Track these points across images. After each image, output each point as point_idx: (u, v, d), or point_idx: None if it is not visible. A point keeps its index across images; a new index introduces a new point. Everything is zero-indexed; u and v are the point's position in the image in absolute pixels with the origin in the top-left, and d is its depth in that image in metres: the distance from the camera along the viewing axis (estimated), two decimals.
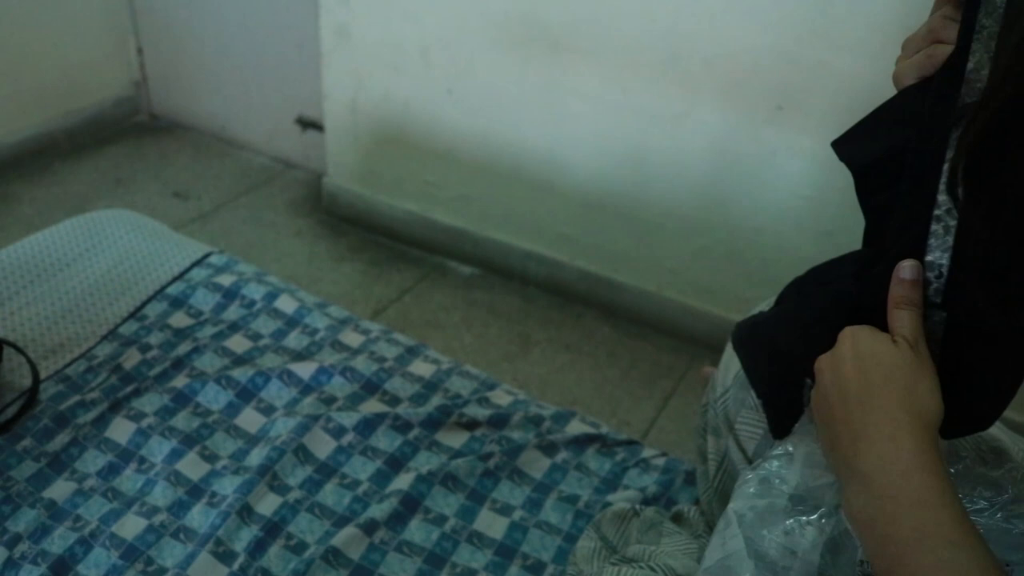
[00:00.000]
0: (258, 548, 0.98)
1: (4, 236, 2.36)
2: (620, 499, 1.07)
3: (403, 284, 2.43)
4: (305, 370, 1.21)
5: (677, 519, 1.01)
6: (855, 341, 0.66)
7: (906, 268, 0.67)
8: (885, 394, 0.62)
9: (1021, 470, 0.82)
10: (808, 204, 1.95)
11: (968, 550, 0.55)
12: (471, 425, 1.17)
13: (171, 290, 1.36)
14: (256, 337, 1.29)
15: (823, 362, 0.68)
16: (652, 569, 0.88)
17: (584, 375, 2.14)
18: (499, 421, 1.18)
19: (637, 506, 1.04)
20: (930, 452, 0.59)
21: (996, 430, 0.90)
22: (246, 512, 1.01)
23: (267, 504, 1.02)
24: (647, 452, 1.17)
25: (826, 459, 0.69)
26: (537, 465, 1.13)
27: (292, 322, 1.32)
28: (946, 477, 0.59)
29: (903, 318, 0.66)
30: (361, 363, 1.24)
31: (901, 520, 0.57)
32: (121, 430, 1.12)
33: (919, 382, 0.63)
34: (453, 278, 2.46)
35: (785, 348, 0.79)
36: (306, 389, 1.20)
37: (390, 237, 2.59)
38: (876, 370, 0.64)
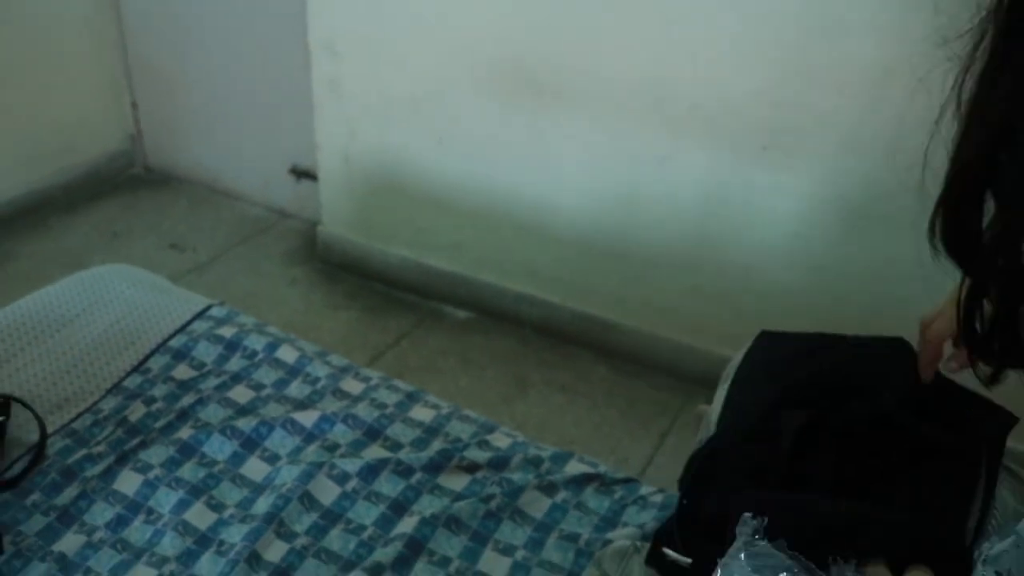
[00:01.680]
0: None
1: (2, 292, 2.38)
2: (620, 536, 1.09)
3: (399, 330, 2.46)
4: (308, 418, 1.23)
5: None
6: None
7: None
8: None
9: None
10: (796, 241, 1.99)
11: None
12: (472, 468, 1.19)
13: (173, 343, 1.38)
14: (259, 387, 1.31)
15: None
16: None
17: (581, 415, 2.16)
18: (499, 463, 1.20)
19: (638, 543, 1.06)
20: None
21: None
22: (254, 559, 1.03)
23: (274, 551, 1.04)
24: (645, 489, 1.20)
25: None
26: (537, 505, 1.15)
27: (293, 371, 1.34)
28: None
29: None
30: (362, 410, 1.26)
31: None
32: (128, 482, 1.14)
33: None
34: (448, 322, 2.49)
35: None
36: (309, 437, 1.22)
37: (385, 283, 2.62)
38: None
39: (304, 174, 2.87)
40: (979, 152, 0.55)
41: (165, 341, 1.39)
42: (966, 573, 0.73)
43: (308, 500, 1.11)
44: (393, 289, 2.61)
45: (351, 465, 1.16)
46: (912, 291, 1.65)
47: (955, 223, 0.58)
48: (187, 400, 1.27)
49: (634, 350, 2.31)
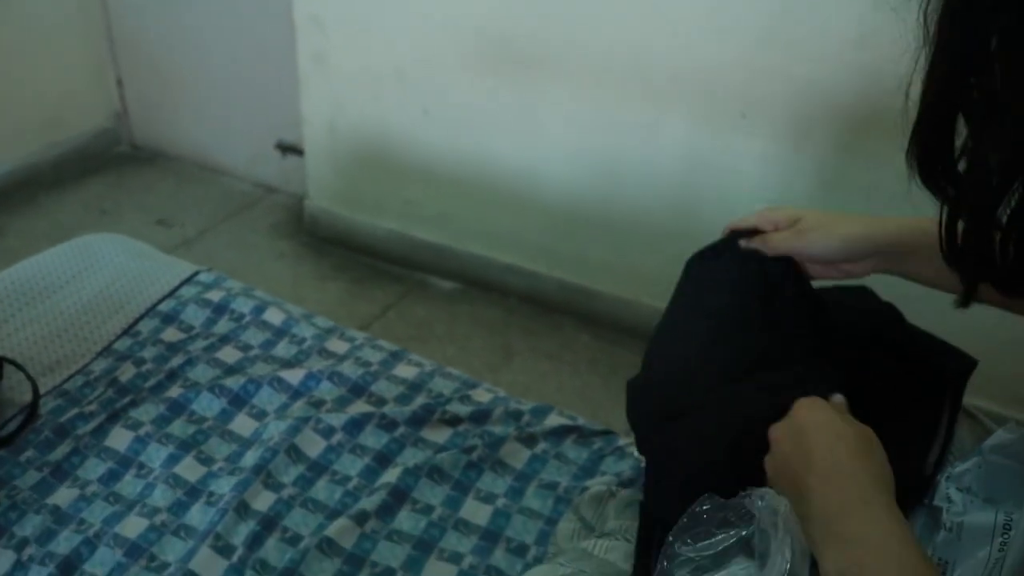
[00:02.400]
0: (255, 541, 1.03)
1: None
2: (598, 484, 1.13)
3: (386, 301, 2.49)
4: (294, 376, 1.27)
5: None
6: (811, 412, 0.72)
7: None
8: (854, 466, 0.67)
9: None
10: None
11: None
12: (454, 421, 1.23)
13: (162, 307, 1.41)
14: (246, 348, 1.34)
15: (780, 431, 0.72)
16: (627, 540, 0.94)
17: (565, 382, 2.20)
18: (480, 417, 1.24)
19: (614, 488, 1.10)
20: (898, 515, 0.63)
21: None
22: (243, 509, 1.06)
23: (262, 501, 1.08)
24: (622, 440, 1.23)
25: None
26: (518, 456, 1.19)
27: (280, 332, 1.38)
28: (914, 538, 0.63)
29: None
30: (347, 368, 1.29)
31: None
32: (120, 439, 1.17)
33: (875, 452, 0.69)
34: (434, 293, 2.52)
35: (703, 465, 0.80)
36: (296, 394, 1.25)
37: (372, 256, 2.65)
38: (840, 443, 0.68)
39: (290, 149, 2.89)
40: (946, 80, 0.56)
41: (154, 305, 1.41)
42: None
43: (295, 453, 1.14)
44: (379, 261, 2.64)
45: (336, 419, 1.19)
46: None
47: (927, 151, 0.59)
48: (176, 361, 1.30)
49: (617, 318, 2.34)
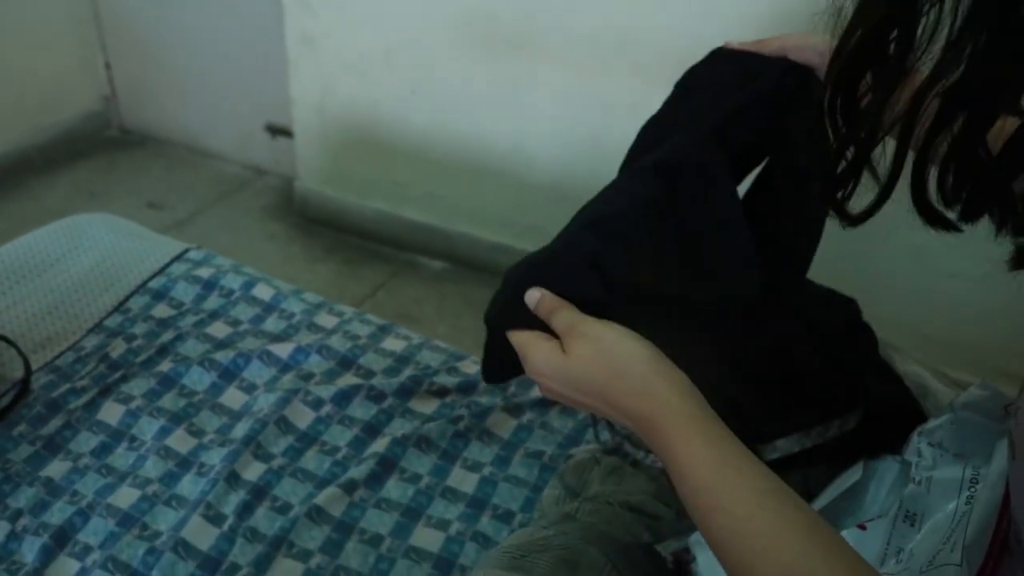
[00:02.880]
0: (246, 510, 1.05)
1: None
2: (582, 452, 1.15)
3: (376, 281, 2.50)
4: (283, 350, 1.28)
5: (635, 465, 1.09)
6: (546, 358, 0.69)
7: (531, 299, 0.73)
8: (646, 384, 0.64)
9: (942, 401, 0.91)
10: None
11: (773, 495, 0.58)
12: (441, 392, 1.25)
13: (153, 284, 1.43)
14: (236, 323, 1.36)
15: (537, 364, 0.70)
16: (609, 504, 0.95)
17: None
18: (467, 388, 1.26)
19: (598, 455, 1.12)
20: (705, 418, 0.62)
21: (920, 369, 0.99)
22: (233, 479, 1.08)
23: (252, 471, 1.10)
24: None
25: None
26: (504, 426, 1.21)
27: (269, 308, 1.39)
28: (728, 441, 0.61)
29: (561, 318, 0.70)
30: (336, 341, 1.31)
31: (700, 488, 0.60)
32: (111, 412, 1.19)
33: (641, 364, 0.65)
34: (424, 273, 2.54)
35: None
36: (285, 367, 1.27)
37: (362, 236, 2.66)
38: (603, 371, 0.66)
39: (280, 131, 2.90)
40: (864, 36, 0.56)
41: (144, 282, 1.43)
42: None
43: (284, 424, 1.16)
44: (369, 242, 2.65)
45: (325, 392, 1.21)
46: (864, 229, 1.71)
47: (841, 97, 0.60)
48: (167, 336, 1.32)
49: None
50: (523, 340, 0.72)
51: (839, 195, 0.61)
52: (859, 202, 0.61)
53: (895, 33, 0.53)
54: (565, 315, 0.70)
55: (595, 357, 0.66)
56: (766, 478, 0.58)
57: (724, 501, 0.57)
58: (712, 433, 0.60)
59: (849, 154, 0.58)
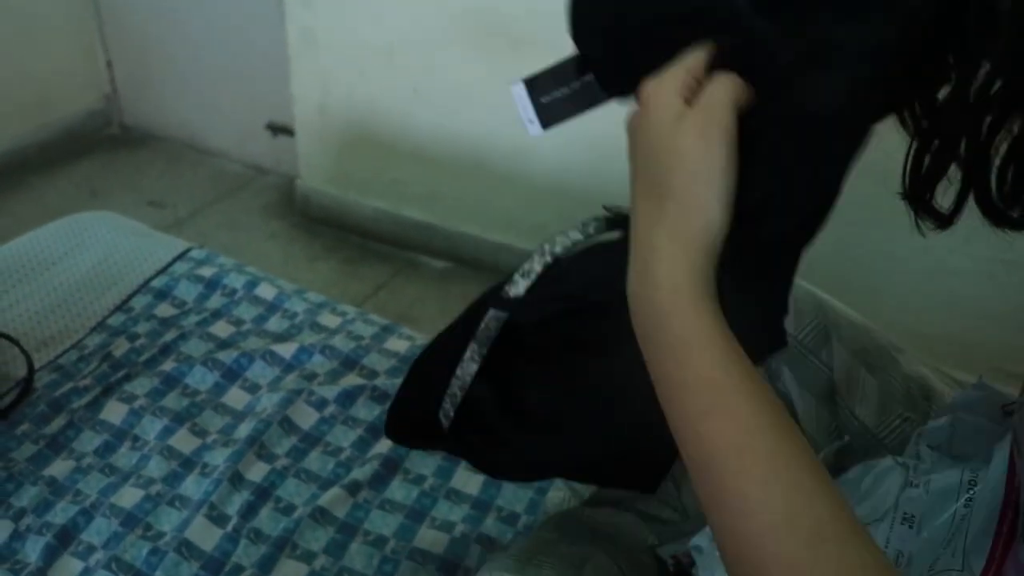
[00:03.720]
0: (249, 511, 1.05)
1: None
2: None
3: (377, 280, 2.50)
4: (286, 350, 1.28)
5: None
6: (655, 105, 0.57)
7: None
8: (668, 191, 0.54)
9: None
10: None
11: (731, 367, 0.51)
12: None
13: (155, 283, 1.42)
14: (239, 323, 1.35)
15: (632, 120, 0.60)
16: (614, 507, 0.95)
17: None
18: None
19: None
20: (694, 283, 0.53)
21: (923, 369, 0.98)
22: (237, 479, 1.08)
23: (256, 471, 1.09)
24: None
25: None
26: None
27: (272, 307, 1.39)
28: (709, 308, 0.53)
29: (720, 84, 0.55)
30: (339, 341, 1.31)
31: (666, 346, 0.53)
32: (114, 412, 1.18)
33: (704, 182, 0.53)
34: (426, 272, 2.54)
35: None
36: (288, 367, 1.27)
37: (363, 235, 2.66)
38: (659, 158, 0.55)
39: (281, 129, 2.89)
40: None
41: (147, 281, 1.43)
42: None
43: (288, 425, 1.16)
44: (371, 241, 2.65)
45: (329, 392, 1.20)
46: (869, 221, 1.72)
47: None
48: (169, 336, 1.32)
49: None
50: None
51: (926, 195, 0.57)
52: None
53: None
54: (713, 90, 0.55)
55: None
56: (769, 393, 0.51)
57: (728, 399, 0.50)
58: (722, 318, 0.53)
59: (933, 149, 0.56)
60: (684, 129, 0.54)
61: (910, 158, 0.56)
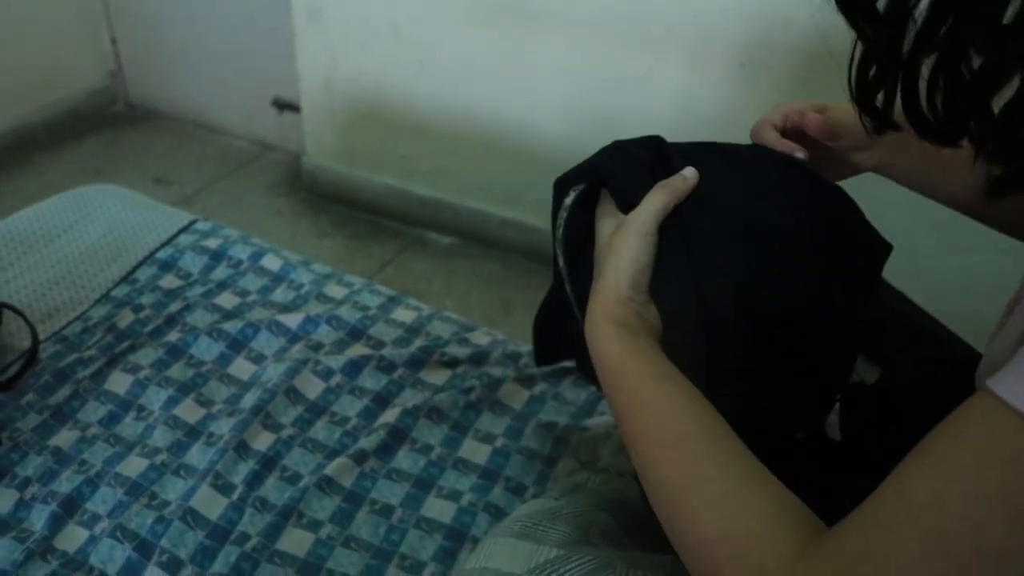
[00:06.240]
0: (255, 480, 1.04)
1: None
2: (595, 424, 1.14)
3: (384, 256, 2.49)
4: (292, 320, 1.27)
5: None
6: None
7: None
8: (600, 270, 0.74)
9: None
10: None
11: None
12: (452, 363, 1.23)
13: (160, 255, 1.41)
14: (244, 294, 1.34)
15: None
16: (621, 475, 0.94)
17: None
18: (479, 359, 1.24)
19: (610, 430, 1.11)
20: (612, 329, 0.70)
21: None
22: (242, 448, 1.07)
23: (262, 441, 1.08)
24: None
25: None
26: (516, 397, 1.19)
27: (278, 278, 1.38)
28: (627, 345, 0.69)
29: (652, 198, 0.75)
30: (346, 312, 1.30)
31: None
32: (119, 382, 1.17)
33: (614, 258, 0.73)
34: (433, 248, 2.52)
35: None
36: (294, 338, 1.25)
37: (370, 212, 2.65)
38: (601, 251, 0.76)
39: (287, 106, 2.88)
40: None
41: (152, 253, 1.42)
42: None
43: (293, 394, 1.15)
44: (378, 217, 2.63)
45: (335, 362, 1.19)
46: (883, 199, 1.69)
47: None
48: (174, 307, 1.31)
49: None
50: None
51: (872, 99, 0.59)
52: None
53: None
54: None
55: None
56: (662, 368, 0.67)
57: (625, 382, 0.67)
58: (626, 337, 0.69)
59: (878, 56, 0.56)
60: (616, 232, 0.75)
61: (855, 63, 0.57)
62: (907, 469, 0.50)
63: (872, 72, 0.56)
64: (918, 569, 0.46)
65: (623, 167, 0.79)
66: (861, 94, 0.58)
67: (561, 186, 0.83)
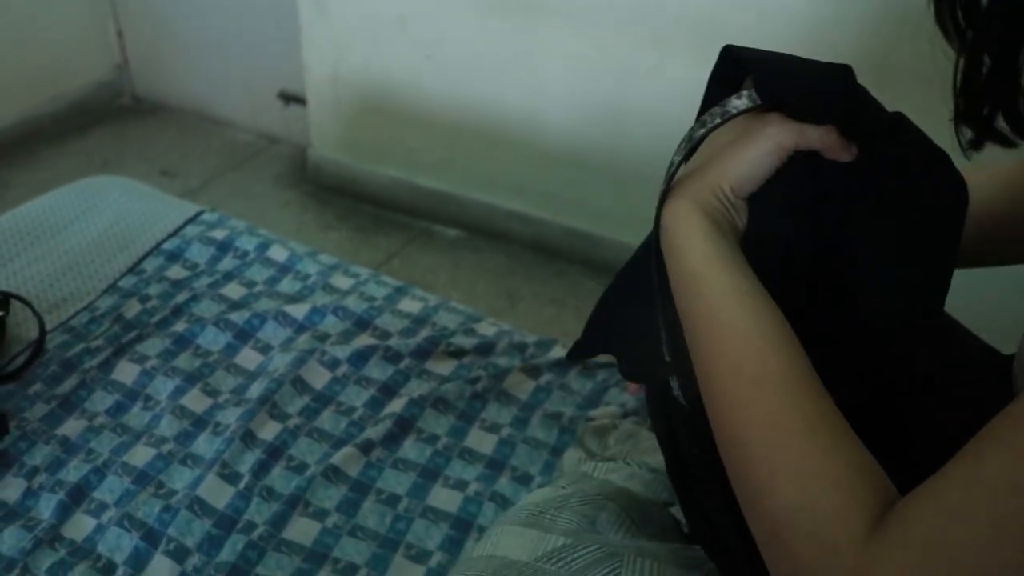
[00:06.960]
0: (262, 469, 1.04)
1: None
2: (601, 414, 1.14)
3: (390, 249, 2.49)
4: (299, 311, 1.27)
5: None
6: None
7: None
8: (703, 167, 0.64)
9: None
10: None
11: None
12: (458, 353, 1.24)
13: (167, 246, 1.42)
14: (250, 284, 1.35)
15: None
16: (628, 464, 0.94)
17: (569, 327, 2.20)
18: (485, 349, 1.25)
19: (617, 420, 1.11)
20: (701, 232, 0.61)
21: None
22: (249, 438, 1.07)
23: (268, 430, 1.09)
24: None
25: None
26: (522, 387, 1.19)
27: (284, 269, 1.38)
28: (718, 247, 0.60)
29: (814, 129, 0.61)
30: (352, 302, 1.30)
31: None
32: (126, 372, 1.18)
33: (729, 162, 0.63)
34: (439, 241, 2.52)
35: None
36: (300, 328, 1.26)
37: (375, 204, 2.65)
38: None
39: (292, 98, 2.87)
40: None
41: (159, 244, 1.42)
42: None
43: (300, 384, 1.15)
44: (384, 209, 2.63)
45: (341, 352, 1.20)
46: None
47: None
48: (181, 297, 1.31)
49: (622, 264, 2.34)
50: None
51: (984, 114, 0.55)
52: None
53: None
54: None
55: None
56: (752, 283, 0.59)
57: (705, 288, 0.59)
58: (715, 235, 0.61)
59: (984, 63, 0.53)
60: (751, 130, 0.63)
61: (959, 75, 0.53)
62: (975, 453, 0.47)
63: (983, 77, 0.52)
64: (991, 555, 0.44)
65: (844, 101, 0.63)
66: (968, 104, 0.54)
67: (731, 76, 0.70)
